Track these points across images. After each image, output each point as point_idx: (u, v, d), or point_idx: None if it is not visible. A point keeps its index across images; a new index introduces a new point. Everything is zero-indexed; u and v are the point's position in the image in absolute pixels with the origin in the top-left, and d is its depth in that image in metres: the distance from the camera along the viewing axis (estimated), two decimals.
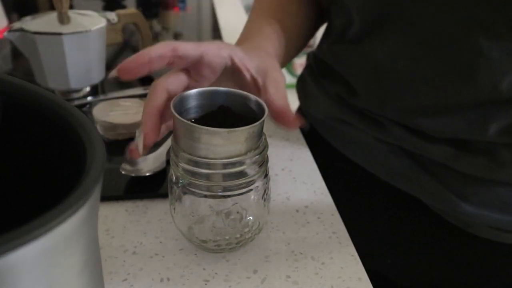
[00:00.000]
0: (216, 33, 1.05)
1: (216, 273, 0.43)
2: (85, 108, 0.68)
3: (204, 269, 0.43)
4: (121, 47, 0.91)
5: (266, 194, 0.44)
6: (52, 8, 0.71)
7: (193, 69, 0.44)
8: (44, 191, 0.28)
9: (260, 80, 0.45)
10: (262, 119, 0.40)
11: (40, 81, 0.70)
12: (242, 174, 0.40)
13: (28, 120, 0.28)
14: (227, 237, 0.43)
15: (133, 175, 0.53)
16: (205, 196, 0.41)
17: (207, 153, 0.39)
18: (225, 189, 0.41)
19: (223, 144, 0.38)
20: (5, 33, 0.68)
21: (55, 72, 0.69)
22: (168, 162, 0.54)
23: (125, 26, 0.78)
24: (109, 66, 0.79)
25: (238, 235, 0.43)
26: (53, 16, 0.69)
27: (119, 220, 0.49)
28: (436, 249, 0.60)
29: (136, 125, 0.61)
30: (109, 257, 0.44)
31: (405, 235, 0.62)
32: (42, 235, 0.18)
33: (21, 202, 0.29)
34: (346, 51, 0.58)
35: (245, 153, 0.40)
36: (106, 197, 0.51)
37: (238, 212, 0.43)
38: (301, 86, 0.72)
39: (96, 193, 0.21)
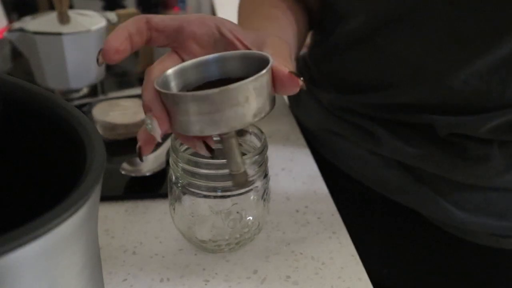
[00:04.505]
0: None
1: (216, 273, 0.43)
2: (85, 108, 0.68)
3: (204, 269, 0.43)
4: None
5: (266, 194, 0.44)
6: (52, 8, 0.71)
7: (177, 46, 0.38)
8: (44, 191, 0.28)
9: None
10: (265, 69, 0.32)
11: (40, 81, 0.70)
12: None
13: (28, 120, 0.28)
14: (226, 237, 0.43)
15: (133, 175, 0.53)
16: (205, 196, 0.41)
17: (202, 127, 0.32)
18: (224, 189, 0.41)
19: (218, 110, 0.31)
20: (5, 33, 0.68)
21: (55, 72, 0.69)
22: (168, 162, 0.54)
23: None
24: (108, 66, 0.79)
25: (238, 235, 0.43)
26: (53, 16, 0.69)
27: (119, 220, 0.49)
28: (434, 259, 0.60)
29: (135, 125, 0.61)
30: (109, 257, 0.44)
31: (402, 246, 0.62)
32: (42, 235, 0.18)
33: (21, 202, 0.29)
34: (349, 52, 0.57)
35: (253, 118, 0.32)
36: (106, 197, 0.51)
37: (237, 212, 0.43)
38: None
39: (96, 193, 0.21)
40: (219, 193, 0.41)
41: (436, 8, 0.47)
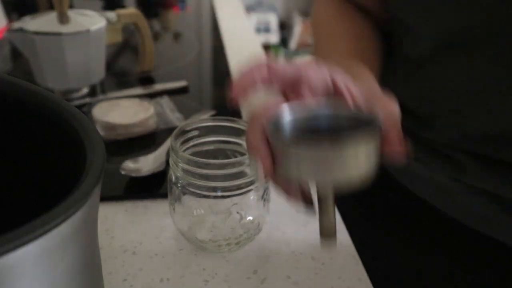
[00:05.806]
0: (215, 33, 1.05)
1: (216, 273, 0.43)
2: (85, 108, 0.68)
3: (204, 269, 0.43)
4: (121, 47, 0.91)
5: (266, 194, 0.44)
6: (52, 8, 0.71)
7: (290, 91, 0.38)
8: (44, 191, 0.28)
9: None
10: (378, 136, 0.33)
11: (40, 81, 0.70)
12: (241, 174, 0.40)
13: (28, 120, 0.28)
14: (226, 237, 0.43)
15: (133, 175, 0.53)
16: (205, 196, 0.41)
17: (306, 178, 0.33)
18: (224, 189, 0.41)
19: (326, 168, 0.32)
20: (5, 33, 0.68)
21: (55, 72, 0.69)
22: (168, 162, 0.54)
23: (125, 26, 0.78)
24: (108, 66, 0.79)
25: (238, 235, 0.43)
26: (52, 16, 0.69)
27: (119, 220, 0.49)
28: (434, 259, 0.59)
29: (135, 125, 0.61)
30: (109, 257, 0.44)
31: (402, 246, 0.61)
32: (42, 235, 0.18)
33: (21, 202, 0.29)
34: (413, 76, 0.53)
35: (359, 182, 0.33)
36: (106, 197, 0.51)
37: (237, 213, 0.43)
38: None
39: (96, 193, 0.21)
40: (219, 193, 0.41)
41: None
